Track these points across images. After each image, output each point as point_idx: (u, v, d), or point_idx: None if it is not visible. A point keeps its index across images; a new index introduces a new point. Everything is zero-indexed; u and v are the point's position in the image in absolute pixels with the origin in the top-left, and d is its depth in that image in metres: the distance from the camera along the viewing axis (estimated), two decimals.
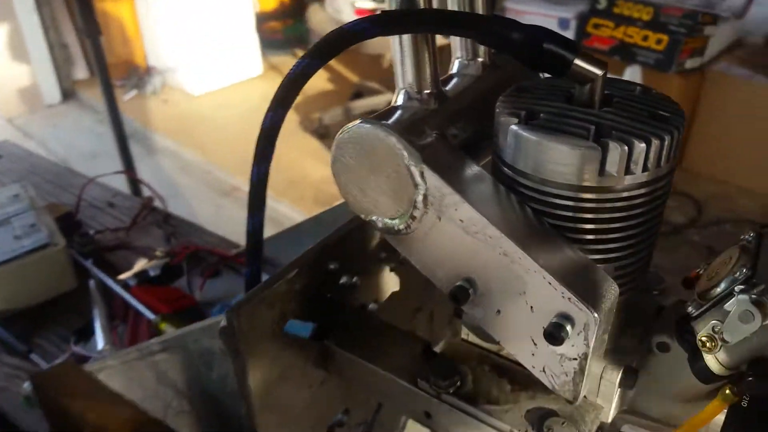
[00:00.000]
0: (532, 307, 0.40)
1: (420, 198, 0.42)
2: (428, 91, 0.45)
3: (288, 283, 0.49)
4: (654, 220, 0.42)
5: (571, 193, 0.40)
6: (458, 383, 0.48)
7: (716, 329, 0.39)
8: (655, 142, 0.38)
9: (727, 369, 0.40)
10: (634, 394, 0.47)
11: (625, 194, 0.39)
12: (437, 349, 0.53)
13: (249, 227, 0.52)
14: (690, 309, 0.41)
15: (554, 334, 0.39)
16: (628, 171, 0.38)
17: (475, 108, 0.48)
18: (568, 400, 0.42)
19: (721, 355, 0.39)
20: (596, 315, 0.38)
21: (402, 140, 0.41)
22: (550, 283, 0.39)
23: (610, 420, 0.46)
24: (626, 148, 0.38)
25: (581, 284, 0.39)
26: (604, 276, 0.40)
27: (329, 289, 0.54)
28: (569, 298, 0.38)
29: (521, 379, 0.47)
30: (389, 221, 0.44)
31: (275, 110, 0.46)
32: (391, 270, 0.60)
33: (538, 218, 0.41)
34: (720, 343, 0.39)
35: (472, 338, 0.51)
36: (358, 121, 0.43)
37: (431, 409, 0.49)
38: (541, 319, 0.40)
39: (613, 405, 0.45)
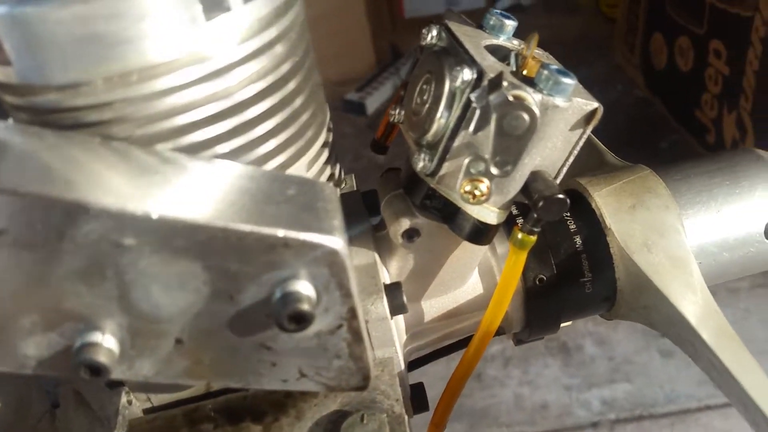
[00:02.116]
0: (231, 296, 0.22)
1: None
2: None
3: None
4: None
5: (192, 71, 0.21)
6: None
7: (474, 167, 0.26)
8: None
9: (504, 212, 0.28)
10: (415, 311, 0.33)
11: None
12: None
13: None
14: (422, 164, 0.27)
15: (297, 312, 0.21)
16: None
17: None
18: (358, 388, 0.26)
19: (494, 198, 0.27)
20: (339, 240, 0.21)
21: None
22: (240, 239, 0.20)
23: (404, 364, 0.32)
24: None
25: (286, 212, 0.22)
26: (307, 181, 0.24)
27: None
28: (285, 243, 0.21)
29: (267, 405, 0.29)
30: None
31: None
32: None
33: (142, 151, 0.22)
34: (488, 182, 0.26)
35: (159, 398, 0.31)
36: None
37: None
38: (257, 305, 0.22)
39: (398, 343, 0.31)
